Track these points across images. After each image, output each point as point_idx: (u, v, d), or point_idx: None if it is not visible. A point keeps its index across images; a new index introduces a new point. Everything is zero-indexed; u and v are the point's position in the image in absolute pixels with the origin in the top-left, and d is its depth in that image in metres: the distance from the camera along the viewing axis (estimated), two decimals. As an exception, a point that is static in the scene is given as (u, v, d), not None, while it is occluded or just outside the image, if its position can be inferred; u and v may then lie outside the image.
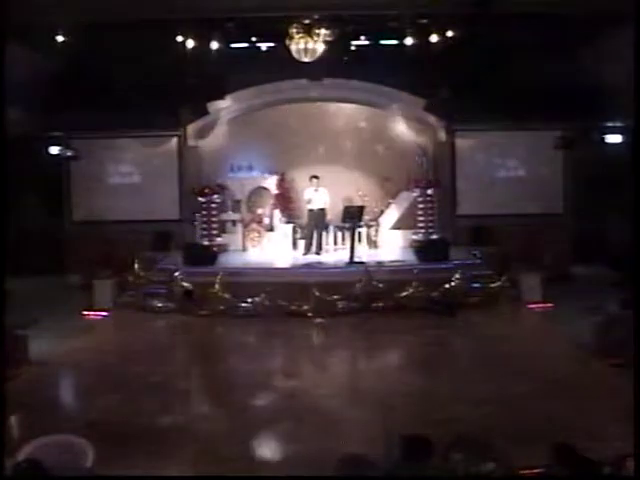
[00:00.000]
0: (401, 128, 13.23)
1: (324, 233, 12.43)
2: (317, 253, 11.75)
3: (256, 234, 13.05)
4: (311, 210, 11.88)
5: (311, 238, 11.90)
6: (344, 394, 5.78)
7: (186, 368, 6.79)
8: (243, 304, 9.09)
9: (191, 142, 12.96)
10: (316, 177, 11.83)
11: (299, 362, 6.93)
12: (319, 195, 11.78)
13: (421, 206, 12.50)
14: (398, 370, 6.77)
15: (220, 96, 12.43)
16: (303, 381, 6.20)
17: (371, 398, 5.67)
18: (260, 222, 13.21)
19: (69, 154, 11.49)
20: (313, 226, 11.90)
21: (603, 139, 11.28)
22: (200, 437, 4.96)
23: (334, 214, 12.31)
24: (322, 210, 11.84)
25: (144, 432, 4.95)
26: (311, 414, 5.25)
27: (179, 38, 10.55)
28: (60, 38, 9.85)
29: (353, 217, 11.04)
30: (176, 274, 9.65)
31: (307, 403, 5.47)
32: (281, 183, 13.37)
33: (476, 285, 9.66)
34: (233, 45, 11.42)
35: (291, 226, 12.97)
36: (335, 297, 9.11)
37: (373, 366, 6.91)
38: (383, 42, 11.46)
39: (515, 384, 5.86)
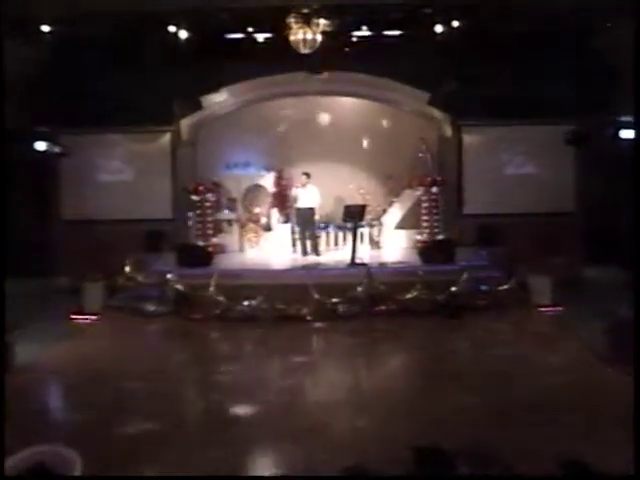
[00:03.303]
0: (404, 123, 13.20)
1: (323, 233, 12.45)
2: (316, 254, 11.72)
3: (253, 234, 13.06)
4: (298, 209, 11.87)
5: (304, 238, 11.88)
6: (346, 410, 5.63)
7: (175, 378, 6.67)
8: (239, 307, 9.05)
9: (185, 138, 12.94)
10: (307, 174, 11.79)
11: (298, 372, 6.83)
12: (307, 193, 11.74)
13: (425, 205, 12.44)
14: (405, 381, 6.66)
15: (215, 89, 12.40)
16: (301, 396, 6.08)
17: (377, 413, 5.52)
18: (257, 221, 13.21)
19: (57, 150, 11.43)
20: (302, 226, 11.88)
21: (617, 134, 11.21)
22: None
23: (335, 213, 12.30)
24: (310, 209, 11.80)
25: (115, 452, 4.75)
26: (309, 435, 5.04)
27: (172, 29, 10.50)
28: (47, 28, 9.80)
29: (354, 216, 11.01)
30: (169, 276, 9.62)
31: (306, 422, 5.29)
32: (279, 180, 13.38)
33: (483, 288, 9.61)
34: (228, 36, 11.38)
35: (289, 226, 12.96)
36: (335, 300, 9.07)
37: (377, 377, 6.80)
38: (385, 33, 11.41)
39: (529, 394, 5.78)
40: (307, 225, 11.87)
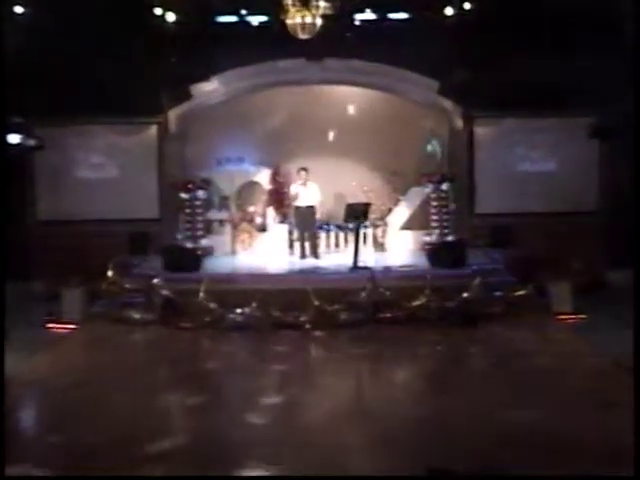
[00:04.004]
0: (412, 114, 13.18)
1: (322, 233, 12.42)
2: (316, 257, 11.70)
3: (247, 235, 13.03)
4: (298, 208, 11.84)
5: (303, 239, 11.86)
6: (348, 429, 5.53)
7: (161, 394, 6.60)
8: (231, 315, 9.02)
9: (173, 130, 12.90)
10: (304, 169, 11.77)
11: (295, 387, 6.77)
12: (307, 191, 11.72)
13: (434, 203, 12.42)
14: (413, 397, 6.56)
15: (205, 78, 12.37)
16: (298, 415, 5.99)
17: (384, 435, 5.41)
18: (251, 221, 13.18)
19: (32, 143, 11.40)
20: (302, 226, 11.85)
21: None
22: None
23: (336, 212, 12.28)
24: (311, 208, 11.79)
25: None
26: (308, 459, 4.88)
27: (158, 11, 10.49)
28: (20, 10, 9.77)
29: (357, 216, 10.97)
30: (155, 281, 9.58)
31: (303, 444, 5.18)
32: (275, 177, 13.35)
33: (497, 294, 9.59)
34: (220, 19, 11.36)
35: (286, 226, 12.93)
36: (337, 307, 9.05)
37: (382, 393, 6.72)
38: (391, 16, 11.41)
39: (553, 411, 5.71)
40: (307, 225, 11.85)
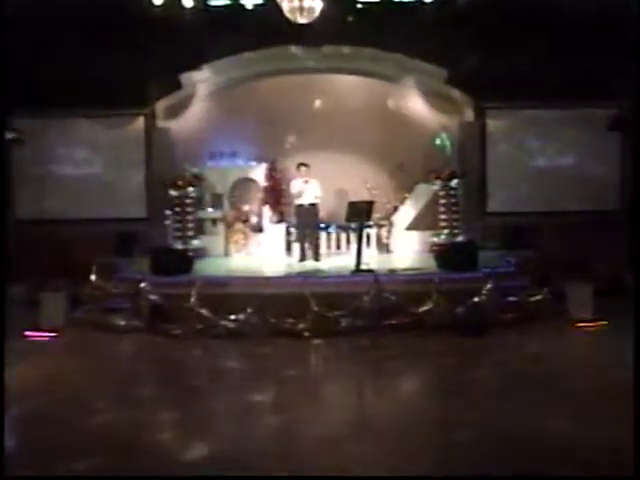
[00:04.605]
0: (419, 106, 13.19)
1: (322, 234, 12.42)
2: (315, 259, 11.70)
3: (241, 236, 13.03)
4: (300, 206, 11.85)
5: (304, 241, 11.86)
6: (353, 449, 5.44)
7: (147, 410, 6.53)
8: (225, 322, 9.01)
9: (161, 123, 12.92)
10: (305, 165, 11.78)
11: (293, 401, 6.74)
12: (309, 188, 11.72)
13: (443, 201, 12.45)
14: (420, 413, 6.48)
15: (196, 66, 12.37)
16: (297, 435, 5.93)
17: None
18: (246, 221, 13.18)
19: (11, 137, 11.41)
20: (304, 226, 11.85)
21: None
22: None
23: (337, 211, 12.27)
24: (313, 206, 11.82)
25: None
26: None
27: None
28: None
29: (360, 215, 10.95)
30: (142, 285, 9.57)
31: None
32: (271, 173, 13.36)
33: (511, 299, 9.58)
34: (212, 2, 11.35)
35: (284, 226, 12.93)
36: (338, 313, 9.03)
37: (387, 406, 6.66)
38: (396, -1, 11.42)
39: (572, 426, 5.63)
40: (309, 225, 11.86)
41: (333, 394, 7.19)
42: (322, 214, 12.16)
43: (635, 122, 9.39)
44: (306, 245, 11.91)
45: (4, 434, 4.50)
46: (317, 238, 12.03)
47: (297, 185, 11.82)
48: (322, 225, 12.44)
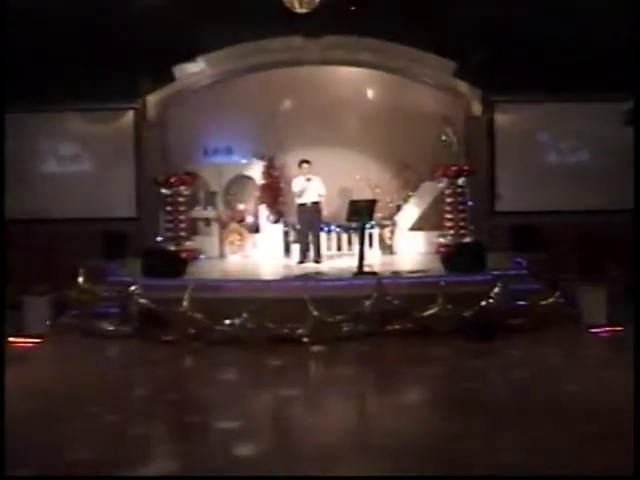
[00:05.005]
0: (424, 99, 13.18)
1: (324, 234, 12.42)
2: (316, 261, 11.70)
3: (237, 236, 13.02)
4: (302, 205, 11.84)
5: (306, 241, 11.85)
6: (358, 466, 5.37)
7: (136, 423, 6.45)
8: (219, 327, 8.99)
9: (152, 117, 12.90)
10: (307, 162, 11.77)
11: (289, 413, 6.71)
12: (311, 186, 11.71)
13: (449, 200, 12.44)
14: (427, 425, 6.42)
15: (190, 58, 12.37)
16: (295, 449, 5.87)
17: None
18: (242, 221, 13.17)
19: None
20: (307, 226, 11.84)
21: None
22: None
23: (337, 210, 12.26)
24: (316, 204, 11.81)
25: None
26: None
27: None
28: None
29: (361, 214, 10.93)
30: (132, 288, 9.55)
31: None
32: (269, 170, 13.35)
33: (521, 303, 9.56)
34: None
35: (282, 226, 12.92)
36: (339, 318, 9.02)
37: (392, 418, 6.62)
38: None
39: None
40: (312, 225, 11.85)
41: (334, 400, 7.15)
42: (325, 213, 12.12)
43: (635, 122, 9.38)
44: (308, 246, 11.87)
45: (4, 434, 4.50)
46: (318, 238, 12.01)
47: (299, 183, 11.80)
48: (322, 225, 12.42)
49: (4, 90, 6.25)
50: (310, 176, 11.72)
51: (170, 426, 6.45)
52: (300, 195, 11.81)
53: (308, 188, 11.72)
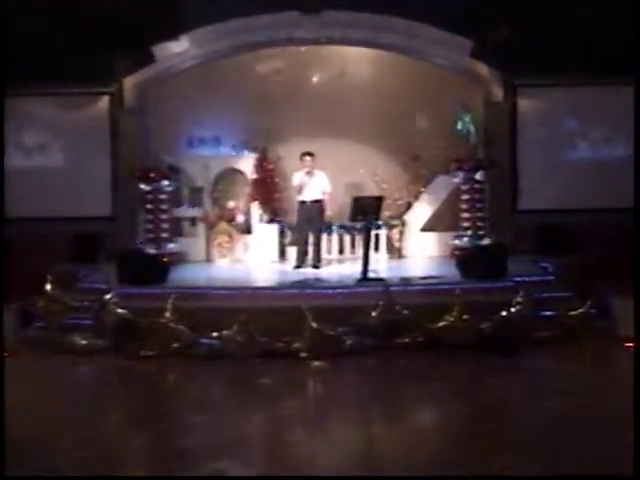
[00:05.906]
0: (438, 83, 13.17)
1: (324, 235, 12.41)
2: (315, 266, 11.70)
3: (225, 238, 13.03)
4: (303, 202, 11.87)
5: (305, 243, 11.87)
6: None
7: (107, 456, 6.37)
8: (206, 340, 9.01)
9: (130, 103, 12.89)
10: (310, 154, 11.78)
11: (284, 438, 6.69)
12: (314, 181, 11.72)
13: (466, 197, 12.44)
14: (437, 453, 6.39)
15: (172, 36, 12.37)
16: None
17: None
18: (231, 220, 13.19)
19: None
20: (307, 226, 11.85)
21: None
22: None
23: (341, 209, 12.26)
24: (318, 202, 11.83)
25: None
26: None
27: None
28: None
29: (367, 213, 10.94)
30: (108, 297, 9.56)
31: None
32: (262, 164, 13.36)
33: (547, 313, 9.58)
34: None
35: (277, 226, 12.93)
36: (340, 330, 9.03)
37: (399, 444, 6.59)
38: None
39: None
40: (313, 225, 11.87)
41: (335, 424, 7.14)
42: (329, 213, 12.06)
43: (635, 123, 9.39)
44: (308, 249, 11.87)
45: (4, 434, 4.59)
46: (319, 241, 12.01)
47: (298, 179, 11.81)
48: (323, 226, 12.41)
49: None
50: (311, 170, 11.71)
51: (151, 455, 6.41)
52: (300, 191, 11.82)
53: (308, 184, 11.71)
